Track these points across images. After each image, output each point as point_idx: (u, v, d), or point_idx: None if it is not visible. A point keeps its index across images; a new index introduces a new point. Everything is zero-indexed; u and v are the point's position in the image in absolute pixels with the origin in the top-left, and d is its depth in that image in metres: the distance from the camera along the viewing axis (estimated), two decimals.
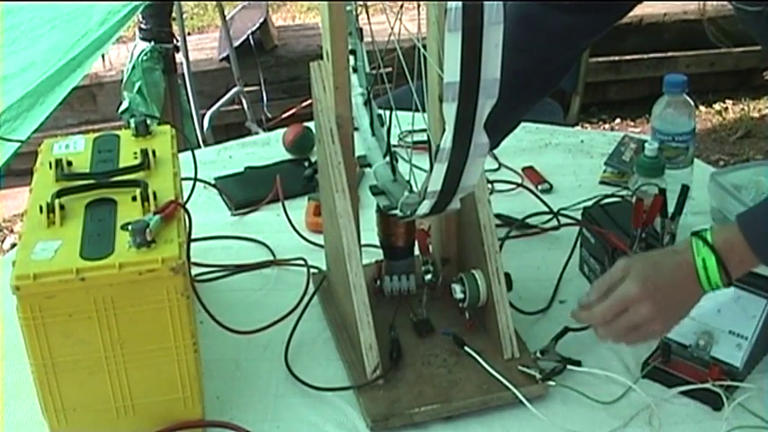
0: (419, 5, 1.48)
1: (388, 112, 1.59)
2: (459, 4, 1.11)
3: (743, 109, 4.83)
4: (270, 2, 5.15)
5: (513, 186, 2.09)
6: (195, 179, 1.79)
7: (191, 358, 1.42)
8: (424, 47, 1.45)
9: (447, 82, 1.15)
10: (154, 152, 1.62)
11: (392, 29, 1.47)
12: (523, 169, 2.15)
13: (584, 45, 1.89)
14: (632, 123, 4.79)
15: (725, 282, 1.44)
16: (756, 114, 4.75)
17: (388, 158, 1.59)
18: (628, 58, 4.85)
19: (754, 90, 4.87)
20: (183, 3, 4.16)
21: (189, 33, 4.89)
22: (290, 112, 4.26)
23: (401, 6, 1.49)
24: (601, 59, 4.69)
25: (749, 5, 1.51)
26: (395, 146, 1.62)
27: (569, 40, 1.78)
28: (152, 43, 3.75)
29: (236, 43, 4.35)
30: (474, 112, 1.17)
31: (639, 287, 1.44)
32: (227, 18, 4.43)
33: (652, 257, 1.50)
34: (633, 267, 1.47)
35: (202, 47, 4.81)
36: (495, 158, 2.18)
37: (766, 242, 1.43)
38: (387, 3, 1.58)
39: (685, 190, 1.69)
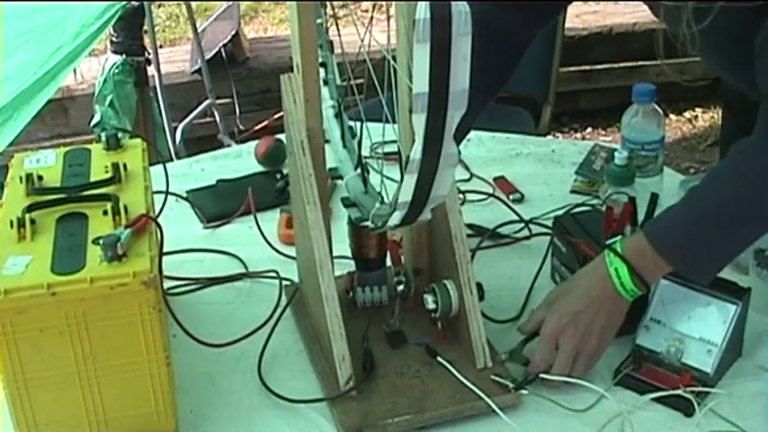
0: (389, 18, 1.48)
1: (359, 124, 1.60)
2: (428, 15, 1.12)
3: (713, 117, 4.86)
4: (242, 13, 5.15)
5: (485, 196, 2.10)
6: (167, 192, 1.79)
7: (163, 372, 1.42)
8: (394, 58, 1.46)
9: (416, 93, 1.16)
10: (125, 166, 1.62)
11: (362, 41, 1.48)
12: (495, 179, 2.16)
13: (528, 40, 1.93)
14: (603, 132, 4.82)
15: (641, 287, 1.55)
16: None
17: (359, 170, 1.59)
18: (599, 67, 4.88)
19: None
20: (154, 15, 4.16)
21: (161, 46, 4.89)
22: (263, 124, 4.26)
23: (371, 19, 1.49)
24: (572, 69, 4.72)
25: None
26: (366, 157, 1.63)
27: (513, 36, 1.86)
28: (124, 56, 3.74)
29: (208, 56, 4.34)
30: (443, 123, 1.18)
31: (556, 321, 1.56)
32: (199, 30, 4.43)
33: (565, 286, 1.62)
34: (552, 304, 1.59)
35: (174, 59, 4.80)
36: (467, 169, 2.18)
37: (676, 251, 1.52)
38: (355, 6, 1.58)
39: (655, 198, 1.70)
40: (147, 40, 3.85)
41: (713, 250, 1.53)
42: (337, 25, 1.67)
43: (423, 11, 1.13)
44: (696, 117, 4.88)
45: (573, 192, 2.12)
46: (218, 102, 4.25)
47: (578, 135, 4.82)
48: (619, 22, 4.91)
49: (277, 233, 1.98)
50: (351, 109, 1.66)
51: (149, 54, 3.84)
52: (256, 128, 4.24)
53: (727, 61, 1.72)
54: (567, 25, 3.39)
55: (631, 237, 1.57)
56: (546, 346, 1.56)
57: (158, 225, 1.48)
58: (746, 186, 1.51)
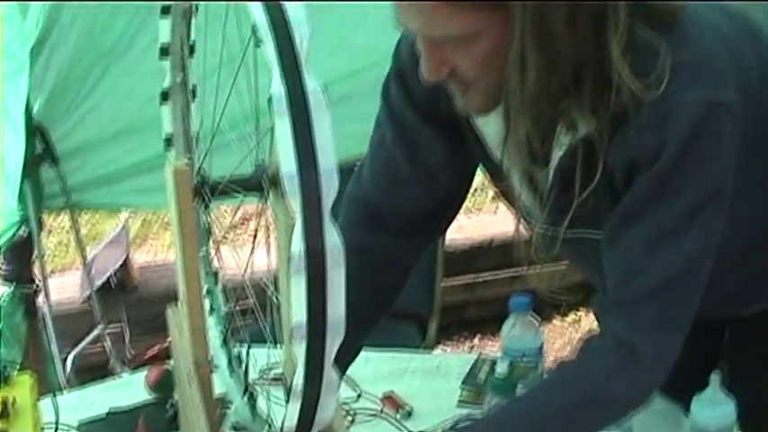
0: (269, 247, 1.54)
1: (245, 349, 1.63)
2: (302, 249, 1.18)
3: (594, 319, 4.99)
4: (132, 238, 5.18)
5: (374, 414, 2.14)
6: (57, 425, 1.79)
7: None
8: (277, 284, 1.52)
9: (295, 323, 1.22)
10: (14, 401, 1.62)
11: (245, 270, 1.53)
12: (383, 396, 2.20)
13: (412, 263, 1.99)
14: (493, 338, 4.89)
15: None
16: None
17: (246, 398, 1.62)
18: (481, 279, 4.99)
19: None
20: (43, 243, 4.17)
21: (52, 272, 4.88)
22: (153, 351, 4.23)
23: (252, 250, 1.55)
24: (455, 283, 4.82)
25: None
26: (254, 382, 1.66)
27: (397, 261, 1.93)
28: (13, 285, 3.73)
29: (98, 283, 4.35)
30: (323, 351, 1.23)
31: None
32: (89, 258, 4.44)
33: None
34: None
35: (65, 286, 4.78)
36: (356, 387, 2.22)
37: None
38: (241, 231, 1.64)
39: None
40: (36, 269, 3.85)
41: None
42: (219, 254, 1.73)
43: (297, 244, 1.19)
44: (579, 320, 5.01)
45: (460, 402, 2.16)
46: (109, 328, 4.23)
47: (467, 343, 4.88)
48: (501, 232, 5.06)
49: None
50: (238, 334, 1.70)
51: (39, 283, 3.83)
52: (147, 354, 4.20)
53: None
54: (448, 238, 3.50)
55: None
56: None
57: None
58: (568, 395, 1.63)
